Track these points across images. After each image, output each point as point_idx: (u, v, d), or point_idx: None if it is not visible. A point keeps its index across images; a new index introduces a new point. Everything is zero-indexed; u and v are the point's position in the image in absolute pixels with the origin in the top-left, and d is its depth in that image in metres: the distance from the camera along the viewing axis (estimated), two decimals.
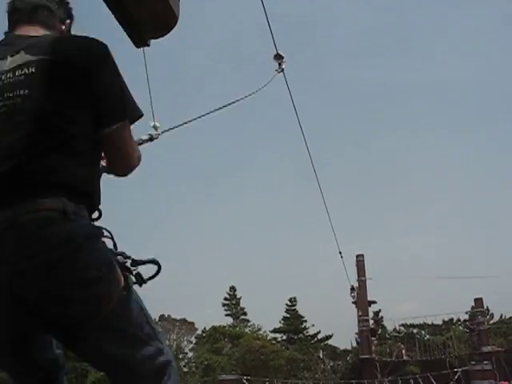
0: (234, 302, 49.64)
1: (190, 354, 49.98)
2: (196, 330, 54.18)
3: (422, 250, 65.24)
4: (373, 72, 65.50)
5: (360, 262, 32.13)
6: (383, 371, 23.87)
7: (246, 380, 13.29)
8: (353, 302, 31.36)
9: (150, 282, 2.09)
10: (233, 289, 49.65)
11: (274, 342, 35.71)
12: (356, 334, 31.64)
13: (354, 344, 33.10)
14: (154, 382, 1.94)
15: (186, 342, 54.45)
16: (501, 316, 45.01)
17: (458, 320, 44.99)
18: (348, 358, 39.70)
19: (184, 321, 54.75)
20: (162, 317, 55.69)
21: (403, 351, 30.94)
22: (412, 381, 14.79)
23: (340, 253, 18.17)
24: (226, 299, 49.52)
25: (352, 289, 30.03)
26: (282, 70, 6.54)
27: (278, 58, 6.56)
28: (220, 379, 14.35)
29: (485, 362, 16.59)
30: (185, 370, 41.87)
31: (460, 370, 15.59)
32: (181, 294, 62.73)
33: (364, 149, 68.53)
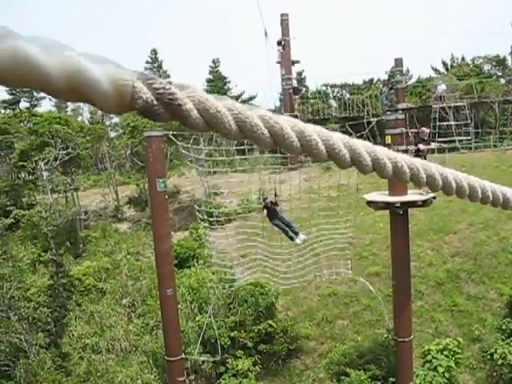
0: (155, 66, 48.63)
1: (116, 120, 50.20)
2: None
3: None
4: None
5: (284, 21, 31.42)
6: None
7: (173, 135, 13.43)
8: (277, 62, 31.41)
9: None
10: (154, 52, 48.24)
11: None
12: (279, 93, 32.36)
13: (277, 103, 34.03)
14: None
15: None
16: (418, 77, 46.77)
17: (378, 80, 46.49)
18: None
19: None
20: None
21: (324, 109, 32.23)
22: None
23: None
24: (147, 63, 48.37)
25: (279, 43, 29.79)
26: None
27: None
28: (146, 136, 14.44)
29: (399, 112, 17.41)
30: (112, 134, 42.34)
31: (375, 120, 16.32)
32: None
33: None
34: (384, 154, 1.20)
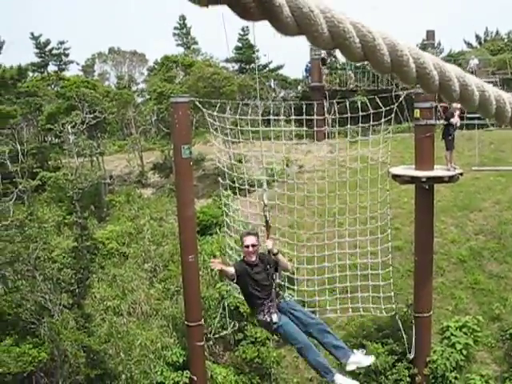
0: (184, 32, 48.25)
1: (143, 86, 50.16)
2: (147, 61, 53.47)
3: None
4: None
5: None
6: (332, 100, 24.32)
7: (199, 102, 13.39)
8: None
9: None
10: (182, 18, 47.83)
11: (225, 70, 35.52)
12: (308, 63, 31.85)
13: (305, 74, 33.51)
14: None
15: (137, 74, 54.19)
16: (450, 51, 45.73)
17: None
18: (299, 88, 40.65)
19: (134, 53, 53.69)
20: (111, 50, 54.28)
21: (352, 79, 31.66)
22: (359, 106, 15.16)
23: None
24: (176, 28, 47.99)
25: None
26: None
27: None
28: (173, 101, 14.39)
29: None
30: (139, 99, 42.35)
31: (404, 93, 16.03)
32: (128, 25, 60.26)
33: None
34: (472, 81, 1.14)
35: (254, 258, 6.99)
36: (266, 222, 7.32)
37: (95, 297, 20.39)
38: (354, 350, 7.08)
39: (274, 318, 6.84)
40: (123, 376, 16.78)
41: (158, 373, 16.78)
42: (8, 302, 17.56)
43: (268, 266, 7.06)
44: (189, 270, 14.62)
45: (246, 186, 16.02)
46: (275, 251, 7.16)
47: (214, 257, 20.06)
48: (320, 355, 7.05)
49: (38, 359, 15.81)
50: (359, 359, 7.00)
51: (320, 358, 6.95)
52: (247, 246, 7.04)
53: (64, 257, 21.03)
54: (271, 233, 7.62)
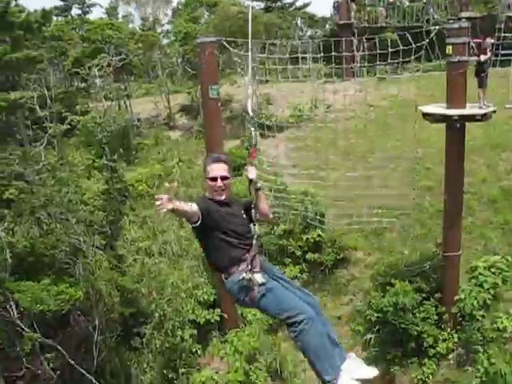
0: None
1: (168, 27, 49.48)
2: (171, 2, 52.62)
3: None
4: None
5: None
6: (361, 37, 23.73)
7: (226, 42, 13.18)
8: None
9: None
10: None
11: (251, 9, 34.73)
12: (336, 0, 30.96)
13: (333, 11, 32.63)
14: None
15: (162, 15, 53.42)
16: None
17: None
18: (326, 26, 39.72)
19: None
20: None
21: (383, 16, 30.76)
22: (389, 43, 14.75)
23: None
24: None
25: None
26: None
27: None
28: (199, 42, 14.19)
29: (462, 21, 16.45)
30: (165, 41, 41.88)
31: (436, 28, 15.48)
32: None
33: None
34: None
35: (223, 197, 4.85)
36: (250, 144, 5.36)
37: (127, 238, 20.84)
38: (350, 354, 4.95)
39: (259, 277, 4.59)
40: (156, 314, 17.28)
41: (190, 311, 17.23)
42: (44, 244, 18.05)
43: (243, 211, 5.01)
44: None
45: (274, 127, 15.93)
46: (258, 185, 5.00)
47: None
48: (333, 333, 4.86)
49: (74, 298, 16.33)
50: (357, 367, 4.78)
51: (335, 347, 4.74)
52: (214, 179, 4.81)
53: (95, 199, 21.41)
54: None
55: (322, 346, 4.52)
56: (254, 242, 4.83)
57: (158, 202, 3.90)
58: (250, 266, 4.64)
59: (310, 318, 4.46)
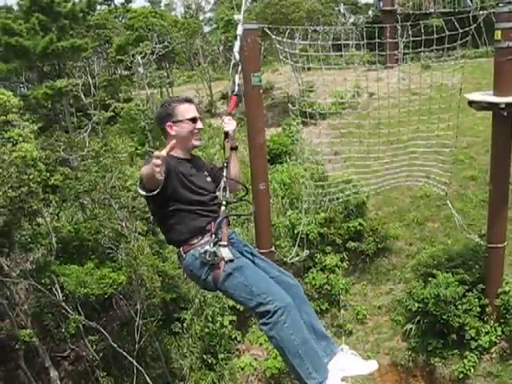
0: None
1: (210, 14, 49.58)
2: None
3: None
4: None
5: None
6: (404, 24, 23.30)
7: (268, 29, 13.13)
8: None
9: None
10: None
11: None
12: None
13: None
14: None
15: (204, 3, 53.58)
16: None
17: None
18: (369, 12, 39.14)
19: None
20: None
21: (430, 2, 30.07)
22: (434, 30, 14.41)
23: None
24: None
25: None
26: None
27: None
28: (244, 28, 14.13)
29: None
30: (206, 28, 42.01)
31: (485, 13, 15.03)
32: None
33: None
34: None
35: (198, 143, 4.13)
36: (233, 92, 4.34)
37: None
38: (343, 346, 3.99)
39: (225, 252, 3.72)
40: (196, 300, 17.50)
41: None
42: (87, 229, 18.47)
43: (207, 172, 4.22)
44: (260, 197, 14.71)
45: (317, 115, 15.82)
46: (236, 144, 4.24)
47: (285, 185, 19.99)
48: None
49: (117, 282, 16.67)
50: (350, 363, 3.86)
51: (322, 341, 3.91)
52: (194, 120, 4.04)
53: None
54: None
55: (302, 342, 3.57)
56: (222, 209, 3.88)
57: (157, 162, 3.28)
58: (215, 238, 3.73)
59: (287, 307, 3.52)
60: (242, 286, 3.65)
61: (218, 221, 3.79)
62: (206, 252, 3.68)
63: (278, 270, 4.00)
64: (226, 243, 3.72)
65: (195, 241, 3.84)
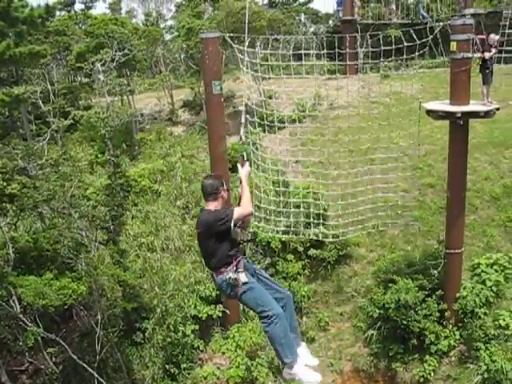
0: None
1: (171, 22, 49.35)
2: None
3: None
4: None
5: None
6: (364, 34, 23.66)
7: (229, 37, 13.17)
8: None
9: None
10: None
11: (254, 4, 34.63)
12: None
13: (337, 7, 32.52)
14: None
15: (165, 10, 53.30)
16: None
17: None
18: (330, 22, 39.61)
19: None
20: None
21: (394, 13, 30.65)
22: (393, 40, 14.68)
23: None
24: None
25: None
26: None
27: None
28: (202, 37, 14.18)
29: (467, 17, 16.40)
30: (167, 36, 41.79)
31: (441, 24, 15.43)
32: None
33: None
34: None
35: None
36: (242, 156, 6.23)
37: (129, 233, 20.85)
38: (302, 342, 6.07)
39: (243, 277, 5.53)
40: (158, 309, 17.30)
41: (192, 306, 17.26)
42: (46, 239, 18.08)
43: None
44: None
45: (276, 124, 15.89)
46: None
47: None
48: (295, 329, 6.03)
49: (77, 292, 16.35)
50: (306, 355, 5.90)
51: (293, 334, 5.84)
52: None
53: (98, 194, 21.44)
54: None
55: (284, 336, 5.52)
56: (241, 246, 5.82)
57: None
58: (235, 268, 5.56)
59: (279, 315, 5.45)
60: (253, 299, 5.55)
61: (239, 255, 5.70)
62: (229, 278, 5.54)
63: (276, 285, 5.95)
64: (242, 270, 5.57)
65: (223, 269, 5.61)
